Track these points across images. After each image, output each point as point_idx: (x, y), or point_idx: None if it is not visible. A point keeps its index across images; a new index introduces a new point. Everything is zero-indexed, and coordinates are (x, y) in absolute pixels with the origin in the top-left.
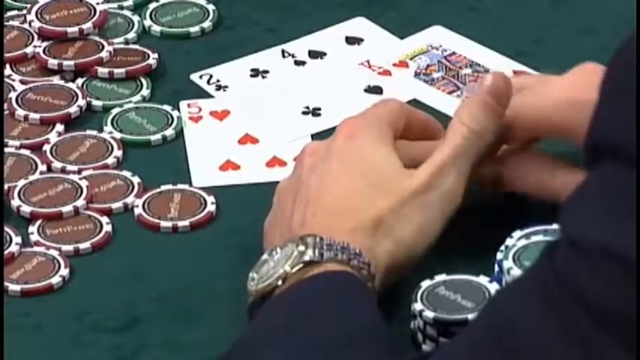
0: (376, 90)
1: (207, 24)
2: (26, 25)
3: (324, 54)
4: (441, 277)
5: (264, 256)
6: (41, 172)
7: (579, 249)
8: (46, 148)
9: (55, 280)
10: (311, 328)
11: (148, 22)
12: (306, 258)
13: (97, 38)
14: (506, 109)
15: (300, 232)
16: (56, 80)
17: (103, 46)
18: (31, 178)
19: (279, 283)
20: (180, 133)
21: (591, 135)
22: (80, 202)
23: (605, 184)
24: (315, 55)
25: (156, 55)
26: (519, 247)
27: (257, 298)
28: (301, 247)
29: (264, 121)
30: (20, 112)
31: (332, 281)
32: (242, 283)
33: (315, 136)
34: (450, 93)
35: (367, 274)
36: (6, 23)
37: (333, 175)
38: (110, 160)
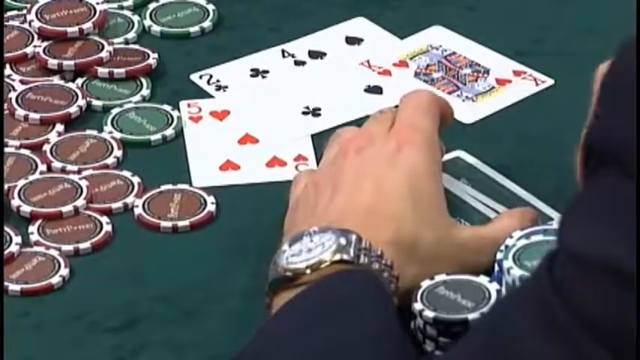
0: (376, 90)
1: (207, 24)
2: (26, 25)
3: (324, 54)
4: (441, 277)
5: (301, 234)
6: (41, 172)
7: (578, 263)
8: (46, 148)
9: (55, 280)
10: (324, 331)
11: (148, 22)
12: (344, 257)
13: (97, 38)
14: None
15: (339, 219)
16: (56, 80)
17: (103, 46)
18: (31, 178)
19: (308, 271)
20: (180, 133)
21: (590, 139)
22: (80, 202)
23: (604, 195)
24: (315, 55)
25: (156, 55)
26: (519, 247)
27: (283, 276)
28: (342, 241)
29: (264, 121)
30: (20, 112)
31: (355, 283)
32: (242, 283)
33: (315, 136)
34: (450, 93)
35: (394, 288)
36: (6, 23)
37: (382, 183)
38: (110, 160)
